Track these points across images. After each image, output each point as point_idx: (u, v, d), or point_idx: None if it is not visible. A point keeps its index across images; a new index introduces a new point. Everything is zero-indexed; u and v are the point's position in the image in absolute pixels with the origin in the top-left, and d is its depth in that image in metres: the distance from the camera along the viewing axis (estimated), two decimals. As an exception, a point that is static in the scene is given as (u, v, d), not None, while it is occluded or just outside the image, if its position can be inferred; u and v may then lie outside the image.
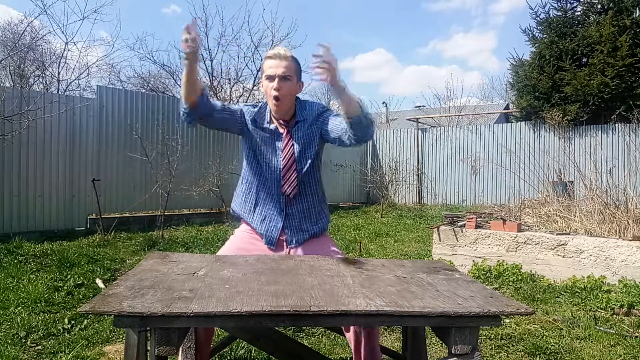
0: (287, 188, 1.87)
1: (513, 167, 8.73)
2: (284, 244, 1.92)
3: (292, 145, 1.87)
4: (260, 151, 1.89)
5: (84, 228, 6.27)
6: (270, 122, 1.89)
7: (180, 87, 2.14)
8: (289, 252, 1.91)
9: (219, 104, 1.86)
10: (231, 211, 2.08)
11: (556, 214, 4.53)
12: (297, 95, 1.91)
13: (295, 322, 1.25)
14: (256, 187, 1.94)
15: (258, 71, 14.03)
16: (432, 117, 13.96)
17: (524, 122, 9.92)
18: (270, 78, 1.80)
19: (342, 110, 1.71)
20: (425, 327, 1.84)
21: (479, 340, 2.20)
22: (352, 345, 1.81)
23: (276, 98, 1.79)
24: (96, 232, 5.64)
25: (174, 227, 6.69)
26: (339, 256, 1.87)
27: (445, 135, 11.05)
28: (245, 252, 1.87)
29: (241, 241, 1.96)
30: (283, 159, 1.87)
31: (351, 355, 2.38)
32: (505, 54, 39.58)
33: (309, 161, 1.89)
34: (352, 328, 1.78)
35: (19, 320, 2.74)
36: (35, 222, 5.86)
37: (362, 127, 1.70)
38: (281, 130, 1.89)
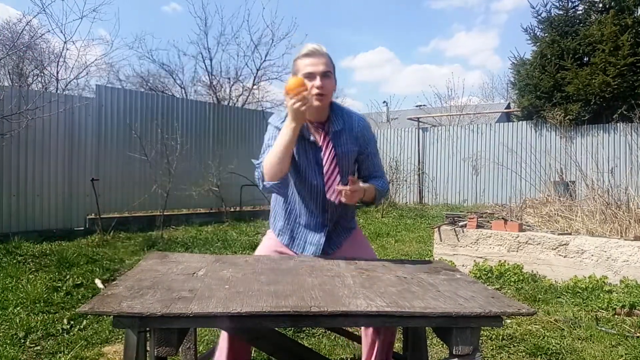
0: (332, 194, 1.75)
1: (514, 167, 8.73)
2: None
3: (332, 150, 1.76)
4: (301, 167, 1.79)
5: (83, 228, 6.27)
6: (308, 131, 1.77)
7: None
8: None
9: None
10: (273, 231, 1.97)
11: (557, 214, 4.52)
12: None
13: (296, 322, 1.24)
14: (297, 209, 1.86)
15: (258, 70, 14.05)
16: (433, 117, 13.95)
17: (525, 121, 9.91)
18: (312, 76, 1.68)
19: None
20: (426, 328, 1.83)
21: (480, 341, 2.19)
22: (365, 349, 1.79)
23: (320, 95, 1.69)
24: (95, 232, 5.63)
25: (174, 227, 6.69)
26: (373, 258, 1.88)
27: (447, 135, 11.05)
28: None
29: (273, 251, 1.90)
30: (325, 164, 1.76)
31: (351, 356, 2.37)
32: (508, 52, 39.65)
33: (349, 167, 1.84)
34: (370, 334, 1.75)
35: (17, 321, 2.73)
36: (34, 222, 5.86)
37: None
38: (319, 139, 1.78)
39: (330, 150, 1.76)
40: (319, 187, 1.79)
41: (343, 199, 1.63)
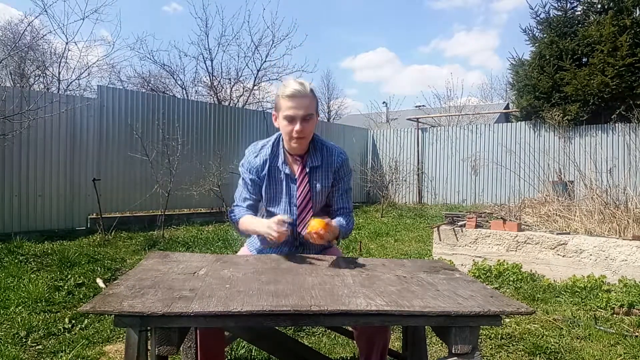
0: (304, 228, 1.80)
1: (513, 167, 8.75)
2: None
3: (307, 185, 1.81)
4: (274, 197, 1.84)
5: (84, 228, 6.28)
6: (285, 162, 1.83)
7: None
8: None
9: (253, 195, 1.86)
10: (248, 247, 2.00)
11: (556, 214, 4.53)
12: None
13: (296, 321, 1.24)
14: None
15: (258, 71, 14.06)
16: (432, 117, 13.96)
17: (524, 121, 9.92)
18: (292, 120, 1.71)
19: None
20: (426, 327, 1.84)
21: (479, 340, 2.21)
22: (362, 350, 1.78)
23: (299, 138, 1.74)
24: (97, 232, 5.64)
25: (175, 226, 6.70)
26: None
27: (446, 135, 11.05)
28: None
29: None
30: (298, 198, 1.81)
31: (351, 355, 2.39)
32: (507, 53, 39.63)
33: (322, 202, 1.87)
34: (364, 339, 1.74)
35: (19, 320, 2.74)
36: (36, 221, 5.87)
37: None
38: (295, 171, 1.83)
39: (305, 185, 1.81)
40: (293, 212, 1.83)
41: (311, 239, 1.66)
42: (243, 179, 1.88)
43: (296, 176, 1.82)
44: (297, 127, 1.70)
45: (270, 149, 1.84)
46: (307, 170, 1.82)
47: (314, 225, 1.62)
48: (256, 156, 1.85)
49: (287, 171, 1.82)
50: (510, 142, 9.93)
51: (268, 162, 1.82)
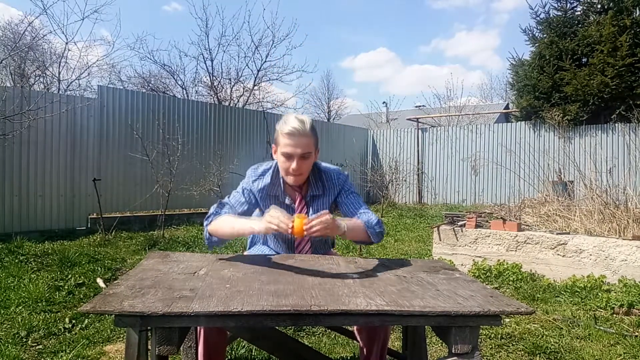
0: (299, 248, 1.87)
1: (513, 167, 8.74)
2: None
3: (306, 214, 1.73)
4: None
5: (84, 227, 6.28)
6: (284, 193, 1.82)
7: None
8: None
9: (237, 208, 1.77)
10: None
11: (556, 214, 4.54)
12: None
13: (296, 321, 1.24)
14: (272, 246, 1.93)
15: (259, 71, 14.06)
16: (432, 117, 13.96)
17: (524, 121, 9.92)
18: (289, 157, 1.70)
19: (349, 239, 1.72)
20: (426, 327, 1.85)
21: (479, 340, 2.21)
22: (363, 347, 1.79)
23: (295, 177, 1.73)
24: (97, 232, 5.65)
25: (175, 226, 6.70)
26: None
27: (446, 135, 11.06)
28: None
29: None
30: None
31: (351, 355, 2.39)
32: (508, 52, 39.62)
33: None
34: (365, 333, 1.75)
35: (19, 320, 2.75)
36: (36, 221, 5.87)
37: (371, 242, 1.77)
38: (295, 202, 1.82)
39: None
40: (291, 241, 1.85)
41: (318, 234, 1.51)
42: (238, 192, 1.85)
43: (295, 205, 1.82)
44: (294, 165, 1.69)
45: (270, 177, 1.82)
46: (307, 199, 1.82)
47: (298, 225, 1.47)
48: (255, 180, 1.84)
49: (287, 201, 1.81)
50: (510, 142, 9.93)
51: (266, 190, 1.81)
